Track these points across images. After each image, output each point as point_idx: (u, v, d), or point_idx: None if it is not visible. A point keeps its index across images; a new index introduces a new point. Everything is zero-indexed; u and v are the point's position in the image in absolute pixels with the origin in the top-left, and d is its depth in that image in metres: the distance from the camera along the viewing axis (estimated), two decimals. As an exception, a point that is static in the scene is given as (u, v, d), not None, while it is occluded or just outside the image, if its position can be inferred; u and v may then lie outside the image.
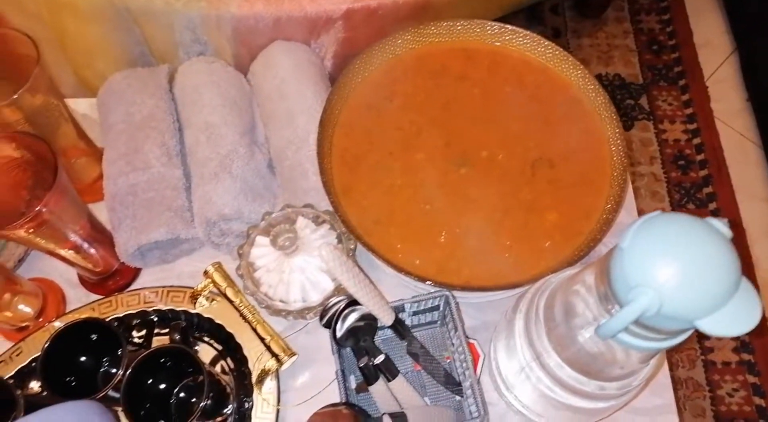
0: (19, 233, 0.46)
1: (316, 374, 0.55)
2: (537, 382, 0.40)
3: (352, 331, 0.46)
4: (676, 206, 1.23)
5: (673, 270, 0.25)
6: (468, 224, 0.50)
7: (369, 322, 0.47)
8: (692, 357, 1.09)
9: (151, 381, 0.51)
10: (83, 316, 0.53)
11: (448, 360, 0.54)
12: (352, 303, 0.44)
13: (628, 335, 0.29)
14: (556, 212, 0.50)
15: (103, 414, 0.36)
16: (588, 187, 0.51)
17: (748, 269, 1.18)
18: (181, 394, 0.52)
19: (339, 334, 0.45)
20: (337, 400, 0.48)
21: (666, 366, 0.55)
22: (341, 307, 0.44)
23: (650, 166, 1.26)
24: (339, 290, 0.50)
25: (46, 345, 0.48)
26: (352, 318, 0.45)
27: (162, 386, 0.52)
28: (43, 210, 0.45)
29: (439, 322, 0.55)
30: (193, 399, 0.52)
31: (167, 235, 0.54)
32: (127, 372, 0.48)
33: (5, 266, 0.55)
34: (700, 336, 1.15)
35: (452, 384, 0.52)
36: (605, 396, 0.37)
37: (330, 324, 0.45)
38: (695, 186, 1.26)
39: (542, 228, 0.50)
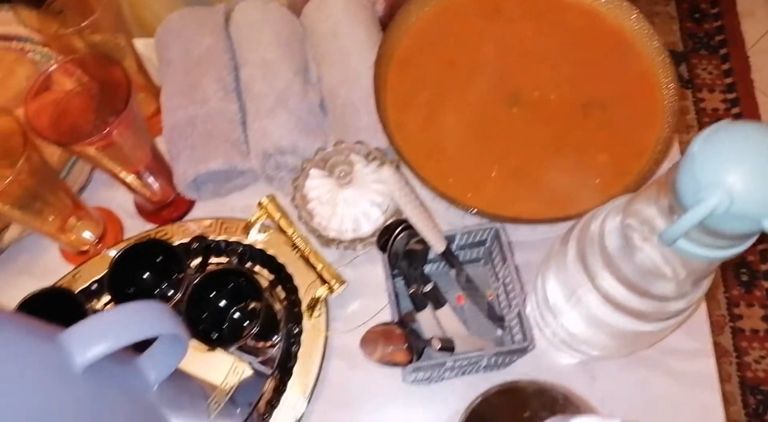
0: (90, 151, 0.48)
1: (363, 305, 0.57)
2: (588, 307, 0.42)
3: (405, 256, 0.47)
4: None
5: (744, 168, 0.26)
6: (519, 161, 0.52)
7: (421, 249, 0.48)
8: (721, 323, 1.10)
9: (207, 303, 0.53)
10: (147, 238, 0.55)
11: (491, 298, 0.55)
12: (408, 228, 0.46)
13: (690, 243, 0.30)
14: (607, 152, 0.51)
15: (174, 315, 0.38)
16: (639, 128, 0.52)
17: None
18: (235, 315, 0.55)
19: (393, 257, 0.46)
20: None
21: (705, 310, 0.56)
22: (397, 231, 0.45)
23: (687, 135, 1.25)
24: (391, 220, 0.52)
25: (114, 260, 0.51)
26: (405, 241, 0.47)
27: (218, 307, 0.54)
28: (114, 131, 0.47)
29: (483, 261, 0.56)
30: (246, 323, 0.55)
31: (224, 166, 0.56)
32: (187, 292, 0.50)
33: (72, 190, 0.57)
34: (729, 303, 1.15)
35: (495, 318, 0.53)
36: (657, 316, 0.38)
37: (385, 248, 0.46)
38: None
39: (593, 166, 0.51)
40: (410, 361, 0.45)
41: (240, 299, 0.55)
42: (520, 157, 0.52)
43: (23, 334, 0.31)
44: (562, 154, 0.51)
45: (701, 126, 1.25)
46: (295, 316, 0.56)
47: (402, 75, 0.56)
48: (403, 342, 0.45)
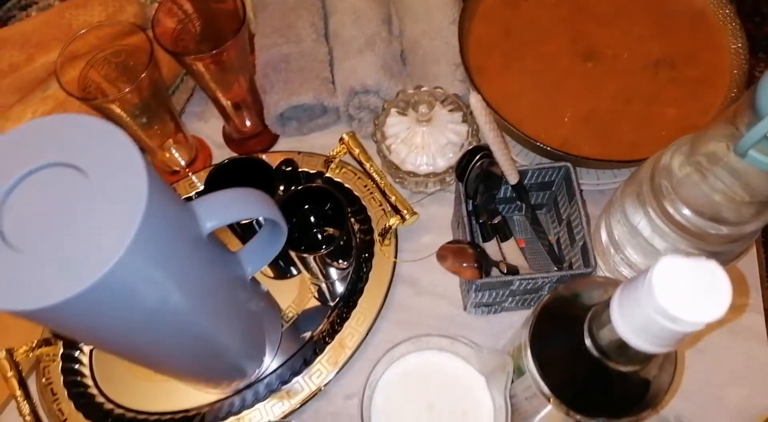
0: (199, 66, 0.53)
1: (429, 240, 0.61)
2: (650, 236, 0.45)
3: (480, 183, 0.51)
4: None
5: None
6: (590, 109, 0.55)
7: (495, 179, 0.52)
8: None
9: (294, 220, 0.58)
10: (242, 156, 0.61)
11: (551, 242, 0.59)
12: (486, 156, 0.50)
13: (759, 154, 0.34)
14: (675, 108, 0.54)
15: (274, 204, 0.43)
16: (707, 87, 0.55)
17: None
18: (318, 236, 0.59)
19: (470, 184, 0.50)
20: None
21: (757, 267, 0.59)
22: (477, 157, 0.49)
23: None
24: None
25: (210, 172, 0.56)
26: (481, 170, 0.50)
27: (304, 224, 0.59)
28: (224, 53, 0.53)
29: (545, 209, 0.60)
30: (323, 246, 0.59)
31: (313, 100, 0.61)
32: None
33: (176, 112, 0.63)
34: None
35: (555, 259, 0.57)
36: (720, 239, 0.41)
37: (463, 174, 0.50)
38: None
39: (660, 119, 0.54)
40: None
41: (323, 221, 0.59)
42: (591, 106, 0.55)
43: (175, 198, 0.36)
44: (631, 106, 0.55)
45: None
46: (366, 244, 0.61)
47: (483, 27, 0.60)
48: (473, 261, 0.49)
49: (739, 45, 0.55)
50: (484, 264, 0.49)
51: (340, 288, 0.60)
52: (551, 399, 0.36)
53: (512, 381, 0.40)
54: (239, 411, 0.55)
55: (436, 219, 0.62)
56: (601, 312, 0.31)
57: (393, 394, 0.42)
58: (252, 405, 0.54)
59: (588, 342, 0.32)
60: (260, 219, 0.55)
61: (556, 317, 0.38)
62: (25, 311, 0.29)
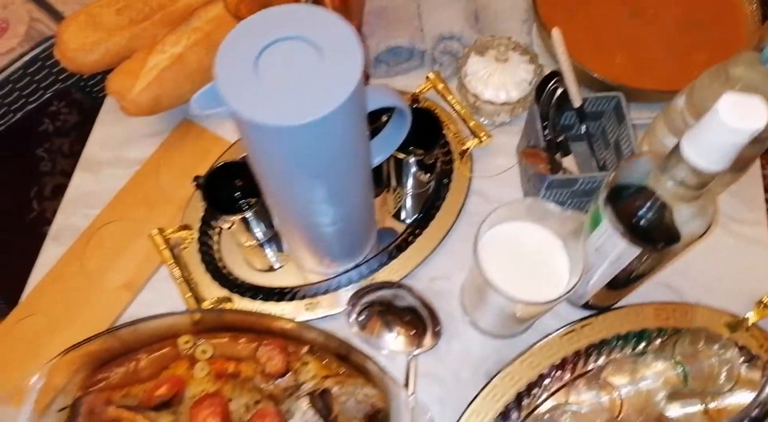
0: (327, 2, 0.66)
1: (499, 162, 0.74)
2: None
3: (550, 106, 0.65)
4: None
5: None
6: (637, 54, 0.69)
7: (561, 105, 0.66)
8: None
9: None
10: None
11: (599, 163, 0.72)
12: (558, 82, 0.63)
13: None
14: (705, 53, 0.68)
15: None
16: (730, 39, 0.69)
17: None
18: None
19: (543, 104, 0.64)
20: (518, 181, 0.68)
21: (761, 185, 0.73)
22: (552, 81, 0.63)
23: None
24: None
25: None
26: (553, 95, 0.64)
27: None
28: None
29: (594, 139, 0.73)
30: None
31: (408, 43, 0.74)
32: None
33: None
34: None
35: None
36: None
37: (539, 96, 0.64)
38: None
39: (694, 63, 0.68)
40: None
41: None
42: (638, 51, 0.69)
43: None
44: (670, 51, 0.69)
45: None
46: (445, 166, 0.74)
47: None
48: (547, 162, 0.63)
49: (754, 7, 0.70)
50: (554, 164, 0.63)
51: (423, 199, 0.72)
52: (623, 233, 0.49)
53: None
54: (325, 292, 0.67)
55: (504, 146, 0.75)
56: (669, 158, 0.44)
57: (491, 247, 0.55)
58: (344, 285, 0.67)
59: (656, 185, 0.46)
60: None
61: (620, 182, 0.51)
62: (282, 126, 0.42)
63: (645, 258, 0.51)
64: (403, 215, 0.73)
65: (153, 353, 0.63)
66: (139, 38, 0.72)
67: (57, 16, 0.85)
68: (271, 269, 0.70)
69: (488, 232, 0.55)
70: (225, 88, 0.43)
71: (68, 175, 1.41)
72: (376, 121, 0.65)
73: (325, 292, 0.68)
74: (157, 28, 0.73)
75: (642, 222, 0.49)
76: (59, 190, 1.40)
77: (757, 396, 0.50)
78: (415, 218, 0.71)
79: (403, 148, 0.62)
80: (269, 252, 0.71)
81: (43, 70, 0.82)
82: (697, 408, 0.57)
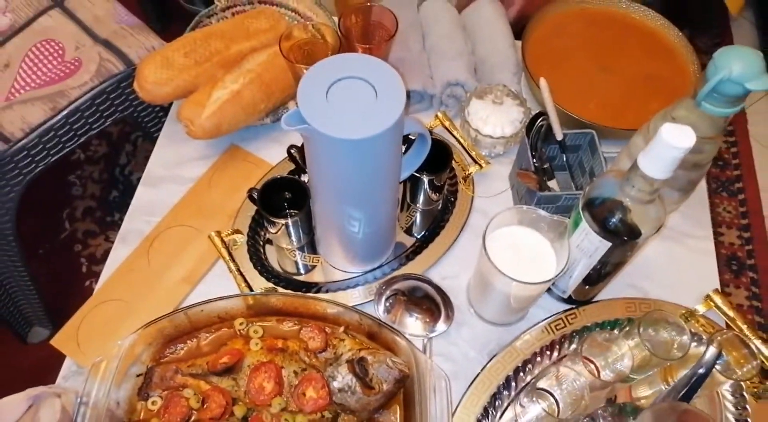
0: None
1: (496, 186, 0.90)
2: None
3: (537, 139, 0.81)
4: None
5: (734, 58, 0.60)
6: (606, 100, 0.87)
7: (549, 137, 0.82)
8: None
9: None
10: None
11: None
12: (544, 120, 0.80)
13: (709, 105, 0.64)
14: (658, 101, 0.86)
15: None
16: (677, 91, 0.87)
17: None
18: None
19: (533, 137, 0.80)
20: (511, 202, 0.84)
21: (708, 210, 0.90)
22: (539, 119, 0.79)
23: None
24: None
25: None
26: (540, 129, 0.81)
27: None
28: (381, 47, 0.83)
29: (572, 169, 0.90)
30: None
31: (421, 87, 0.91)
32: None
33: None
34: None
35: (579, 198, 0.87)
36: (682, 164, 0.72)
37: (528, 130, 0.80)
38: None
39: (650, 108, 0.85)
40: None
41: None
42: (607, 98, 0.87)
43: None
44: (632, 100, 0.87)
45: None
46: (453, 185, 0.89)
47: (535, 48, 0.92)
48: (535, 181, 0.79)
49: (696, 68, 0.88)
50: (542, 183, 0.79)
51: (431, 216, 0.88)
52: (597, 231, 0.65)
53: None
54: (346, 288, 0.81)
55: (500, 172, 0.91)
56: (630, 171, 0.60)
57: (495, 245, 0.70)
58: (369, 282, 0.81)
59: (622, 191, 0.61)
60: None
61: (594, 194, 0.67)
62: (343, 140, 0.57)
63: (615, 250, 0.66)
64: (414, 230, 0.87)
65: (213, 332, 0.75)
66: (201, 76, 0.87)
67: (123, 57, 1.00)
68: (306, 268, 0.84)
69: (491, 234, 0.70)
70: (306, 111, 0.58)
71: (97, 198, 1.56)
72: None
73: (349, 287, 0.81)
74: (216, 69, 0.88)
75: (611, 222, 0.64)
76: (89, 212, 1.53)
77: (702, 357, 0.64)
78: (423, 233, 0.86)
79: (419, 170, 0.77)
80: (305, 254, 0.85)
81: (107, 101, 0.95)
82: (654, 370, 0.71)
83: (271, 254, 0.84)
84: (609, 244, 0.65)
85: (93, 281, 1.34)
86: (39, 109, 0.93)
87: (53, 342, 0.77)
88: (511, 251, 0.69)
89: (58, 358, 0.77)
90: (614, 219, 0.64)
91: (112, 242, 0.85)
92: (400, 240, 0.86)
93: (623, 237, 0.65)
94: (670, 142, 0.54)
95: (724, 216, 1.62)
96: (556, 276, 0.66)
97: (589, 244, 0.67)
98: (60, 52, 0.97)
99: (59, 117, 0.93)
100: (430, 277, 0.81)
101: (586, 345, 0.72)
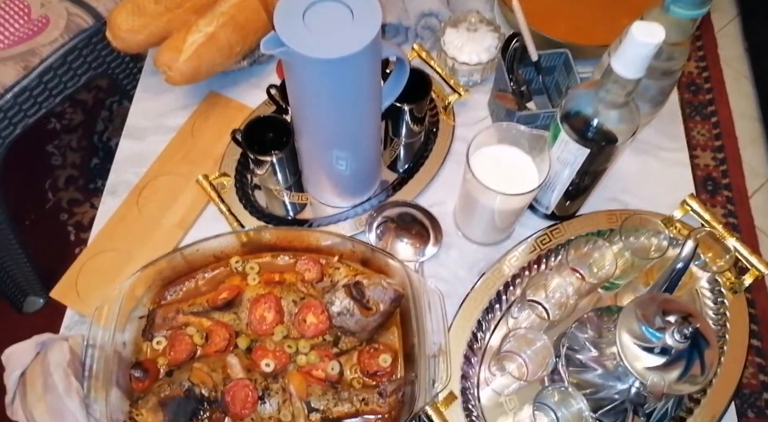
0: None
1: (477, 114, 0.92)
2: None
3: (513, 62, 0.83)
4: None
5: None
6: (577, 20, 0.88)
7: (524, 58, 0.84)
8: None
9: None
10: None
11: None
12: (518, 41, 0.81)
13: (677, 8, 0.66)
14: (628, 17, 0.87)
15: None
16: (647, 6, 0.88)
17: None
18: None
19: (508, 59, 0.82)
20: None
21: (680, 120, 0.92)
22: (514, 40, 0.80)
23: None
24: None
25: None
26: (515, 51, 0.82)
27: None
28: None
29: (549, 92, 0.91)
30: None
31: (396, 20, 0.91)
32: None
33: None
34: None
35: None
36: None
37: (504, 52, 0.81)
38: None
39: (620, 24, 0.87)
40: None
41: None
42: (578, 18, 0.88)
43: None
44: (603, 17, 0.88)
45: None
46: (434, 116, 0.91)
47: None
48: (514, 103, 0.80)
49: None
50: (520, 104, 0.80)
51: (414, 150, 0.89)
52: (575, 140, 0.67)
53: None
54: (337, 222, 0.83)
55: (478, 101, 0.93)
56: (603, 76, 0.62)
57: (478, 165, 0.72)
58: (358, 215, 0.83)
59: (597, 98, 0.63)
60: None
61: (570, 105, 0.69)
62: (321, 59, 0.58)
63: (594, 158, 0.68)
64: (398, 165, 0.89)
65: (210, 272, 0.77)
66: (174, 22, 0.86)
67: (92, 11, 0.98)
68: (295, 208, 0.86)
69: (474, 154, 0.72)
70: (283, 33, 0.58)
71: (78, 166, 1.55)
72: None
73: (340, 221, 0.83)
74: (188, 14, 0.87)
75: (588, 131, 0.66)
76: (71, 181, 1.52)
77: (679, 254, 0.68)
78: (408, 166, 0.87)
79: (400, 100, 0.78)
80: (293, 193, 0.86)
81: (79, 58, 0.94)
82: (635, 275, 0.75)
83: (260, 198, 0.85)
84: (588, 151, 0.67)
85: (83, 248, 1.36)
86: (11, 69, 0.92)
87: (53, 294, 0.78)
88: (494, 168, 0.71)
89: (56, 326, 0.78)
90: (591, 128, 0.66)
91: (98, 209, 0.86)
92: (385, 178, 0.88)
93: (601, 143, 0.67)
94: (641, 40, 0.56)
95: (699, 140, 1.66)
96: (539, 186, 0.68)
97: (568, 154, 0.69)
98: (25, 10, 0.96)
99: (32, 76, 0.92)
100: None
101: (572, 251, 0.75)
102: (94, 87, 1.33)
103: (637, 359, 0.61)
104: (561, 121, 0.68)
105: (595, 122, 0.66)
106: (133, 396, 0.69)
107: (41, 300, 1.34)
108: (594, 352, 0.67)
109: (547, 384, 0.70)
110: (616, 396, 0.66)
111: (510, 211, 0.74)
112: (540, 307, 0.75)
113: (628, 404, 0.65)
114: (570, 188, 0.76)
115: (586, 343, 0.68)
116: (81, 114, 1.48)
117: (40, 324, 0.73)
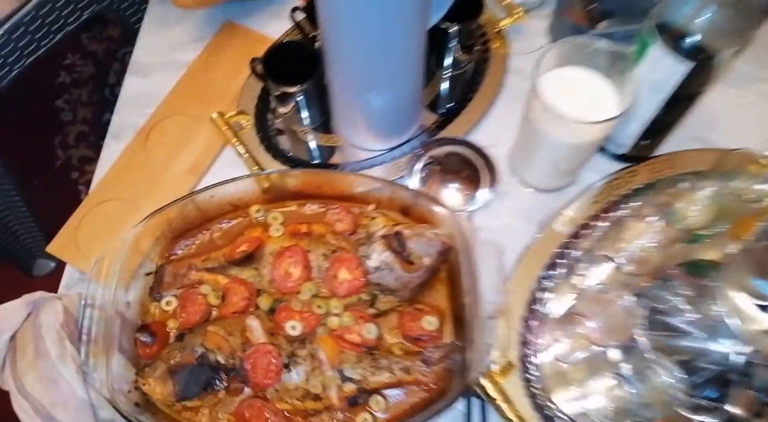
0: None
1: (536, 42, 0.78)
2: None
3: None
4: None
5: None
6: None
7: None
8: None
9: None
10: None
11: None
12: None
13: None
14: None
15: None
16: None
17: None
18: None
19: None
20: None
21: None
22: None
23: None
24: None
25: None
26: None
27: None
28: None
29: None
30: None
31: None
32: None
33: None
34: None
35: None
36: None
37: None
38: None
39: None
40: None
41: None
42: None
43: None
44: None
45: None
46: (484, 43, 0.78)
47: None
48: (585, 18, 0.67)
49: None
50: (592, 19, 0.67)
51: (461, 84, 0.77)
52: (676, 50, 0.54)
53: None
54: (371, 167, 0.71)
55: (536, 27, 0.80)
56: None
57: (546, 91, 0.59)
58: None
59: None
60: None
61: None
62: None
63: (692, 78, 0.55)
64: (441, 103, 0.76)
65: (227, 223, 0.67)
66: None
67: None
68: (323, 153, 0.74)
69: (541, 77, 0.59)
70: None
71: (89, 122, 1.45)
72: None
73: (375, 166, 0.71)
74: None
75: (686, 42, 0.53)
76: (82, 137, 1.43)
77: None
78: (453, 105, 0.75)
79: (446, 20, 0.66)
80: (320, 135, 0.75)
81: (53, 11, 0.84)
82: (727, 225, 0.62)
83: (283, 144, 0.74)
84: (686, 68, 0.55)
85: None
86: (3, 1, 0.82)
87: (49, 248, 0.69)
88: (565, 93, 0.59)
89: (66, 288, 0.69)
90: (691, 38, 0.53)
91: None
92: (426, 119, 0.75)
93: (705, 56, 0.54)
94: None
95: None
96: (622, 113, 0.55)
97: (660, 74, 0.57)
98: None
99: (27, 8, 0.81)
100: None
101: (653, 197, 0.63)
102: (105, 38, 1.21)
103: (750, 320, 0.50)
104: (653, 30, 0.55)
105: (697, 29, 0.53)
106: (139, 364, 0.59)
107: (52, 263, 1.26)
108: (687, 314, 0.55)
109: (623, 351, 0.58)
110: (713, 367, 0.54)
111: (581, 146, 0.62)
112: (613, 263, 0.63)
113: (733, 374, 0.53)
114: (652, 122, 0.63)
115: (676, 303, 0.56)
116: (92, 66, 1.37)
117: (50, 288, 0.64)
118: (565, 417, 0.58)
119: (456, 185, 0.68)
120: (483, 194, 0.67)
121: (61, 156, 1.43)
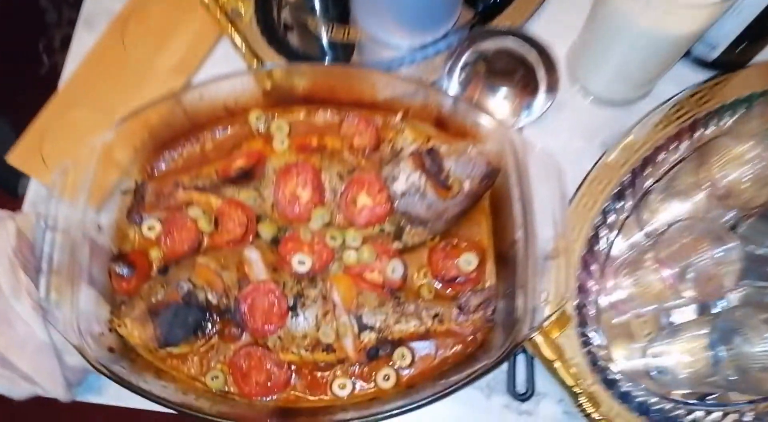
0: None
1: None
2: None
3: None
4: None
5: None
6: None
7: None
8: None
9: None
10: None
11: None
12: None
13: None
14: None
15: None
16: None
17: None
18: None
19: None
20: None
21: None
22: None
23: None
24: None
25: None
26: None
27: None
28: None
29: None
30: None
31: None
32: None
33: None
34: None
35: None
36: None
37: None
38: None
39: None
40: None
41: None
42: None
43: None
44: None
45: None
46: None
47: None
48: None
49: None
50: None
51: None
52: None
53: None
54: (399, 66, 0.58)
55: None
56: None
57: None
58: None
59: None
60: None
61: None
62: None
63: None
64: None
65: (220, 132, 0.55)
66: None
67: None
68: (338, 51, 0.61)
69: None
70: None
71: (76, 24, 1.29)
72: None
73: (403, 66, 0.58)
74: None
75: None
76: (68, 41, 1.29)
77: None
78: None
79: None
80: (336, 28, 0.61)
81: None
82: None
83: (291, 41, 0.60)
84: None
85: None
86: None
87: (9, 158, 0.57)
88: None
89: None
90: None
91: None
92: (466, 11, 0.61)
93: None
94: None
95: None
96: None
97: None
98: None
99: None
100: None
101: (747, 118, 0.50)
102: None
103: None
104: None
105: None
106: (114, 301, 0.49)
107: (41, 182, 1.17)
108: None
109: (704, 306, 0.48)
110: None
111: (668, 41, 0.48)
112: (697, 196, 0.51)
113: None
114: (756, 19, 0.49)
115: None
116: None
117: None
118: (629, 381, 0.48)
119: (505, 90, 0.55)
120: (539, 102, 0.54)
121: (46, 62, 1.29)
